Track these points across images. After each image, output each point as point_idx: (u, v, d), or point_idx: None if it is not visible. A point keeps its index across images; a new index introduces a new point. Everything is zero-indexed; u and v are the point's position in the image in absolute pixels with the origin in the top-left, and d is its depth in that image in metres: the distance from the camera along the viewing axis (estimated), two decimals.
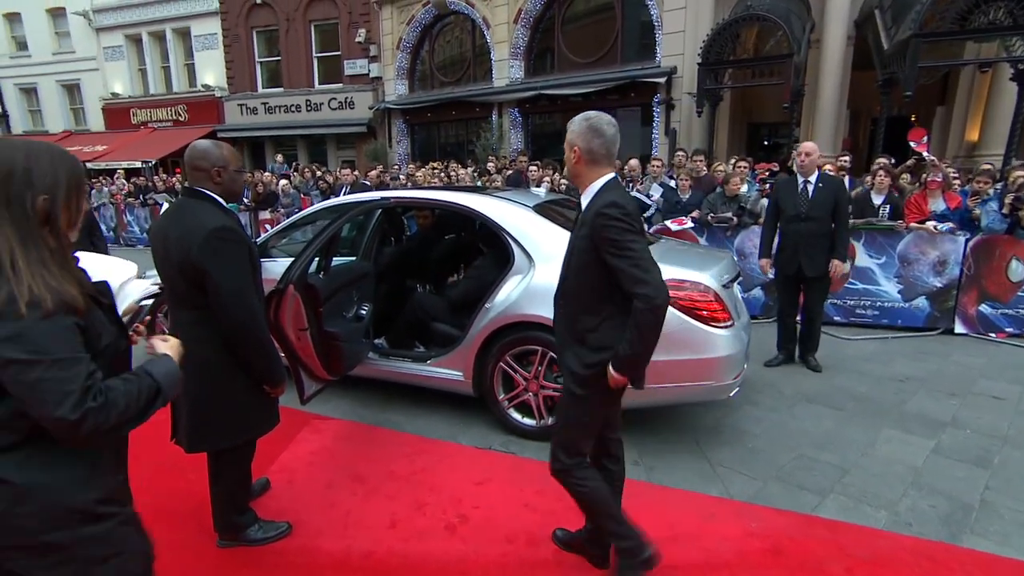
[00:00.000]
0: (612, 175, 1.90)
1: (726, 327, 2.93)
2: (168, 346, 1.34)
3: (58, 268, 1.07)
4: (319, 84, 17.06)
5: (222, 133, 17.70)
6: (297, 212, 9.02)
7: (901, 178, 6.26)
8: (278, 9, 16.74)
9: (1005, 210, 4.98)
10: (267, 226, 9.63)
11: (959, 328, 5.14)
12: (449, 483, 2.84)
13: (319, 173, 10.68)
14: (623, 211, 1.74)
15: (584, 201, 1.89)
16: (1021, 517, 2.52)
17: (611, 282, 1.78)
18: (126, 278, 1.36)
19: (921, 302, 5.25)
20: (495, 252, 3.54)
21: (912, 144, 6.60)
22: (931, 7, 7.37)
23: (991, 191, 5.30)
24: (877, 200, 5.45)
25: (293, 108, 17.17)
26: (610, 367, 1.83)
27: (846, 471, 2.88)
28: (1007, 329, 5.05)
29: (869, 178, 5.90)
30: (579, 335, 1.88)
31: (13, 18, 19.94)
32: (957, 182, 6.06)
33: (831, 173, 4.80)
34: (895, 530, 2.44)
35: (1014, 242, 4.95)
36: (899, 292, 5.29)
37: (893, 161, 6.24)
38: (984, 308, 5.11)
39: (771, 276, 4.42)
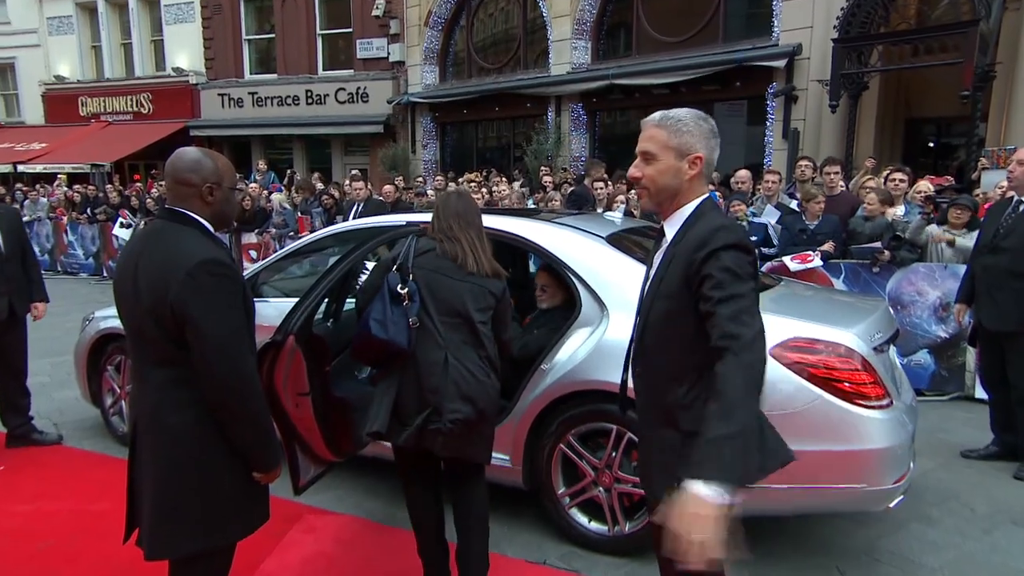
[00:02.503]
0: (708, 194, 1.93)
1: (881, 407, 2.88)
2: None
3: None
4: (323, 70, 18.04)
5: (197, 131, 18.81)
6: (291, 235, 9.54)
7: None
8: None
9: None
10: (252, 252, 10.08)
11: None
12: None
13: (320, 187, 11.05)
14: (741, 244, 1.72)
15: (672, 228, 1.88)
16: None
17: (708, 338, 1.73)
18: None
19: None
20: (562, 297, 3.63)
21: None
22: None
23: None
24: None
25: (289, 101, 18.13)
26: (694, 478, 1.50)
27: None
28: None
29: None
30: (666, 412, 1.85)
31: None
32: None
33: None
34: None
35: None
36: None
37: None
38: None
39: (966, 322, 4.49)
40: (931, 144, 12.29)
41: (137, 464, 2.14)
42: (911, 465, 3.09)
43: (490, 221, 3.73)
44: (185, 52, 19.28)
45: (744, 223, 6.15)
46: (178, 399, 2.04)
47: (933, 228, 5.66)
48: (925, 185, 6.49)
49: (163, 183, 10.63)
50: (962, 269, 4.85)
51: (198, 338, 1.97)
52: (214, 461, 2.08)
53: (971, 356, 5.36)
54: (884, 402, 2.91)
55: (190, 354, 2.00)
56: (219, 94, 18.93)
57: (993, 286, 4.17)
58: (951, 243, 5.47)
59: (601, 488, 3.23)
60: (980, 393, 5.11)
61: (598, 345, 3.20)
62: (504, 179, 10.29)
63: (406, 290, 2.59)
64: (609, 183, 7.56)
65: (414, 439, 2.60)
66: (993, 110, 9.87)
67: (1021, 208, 4.15)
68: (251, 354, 2.12)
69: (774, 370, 2.91)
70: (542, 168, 10.98)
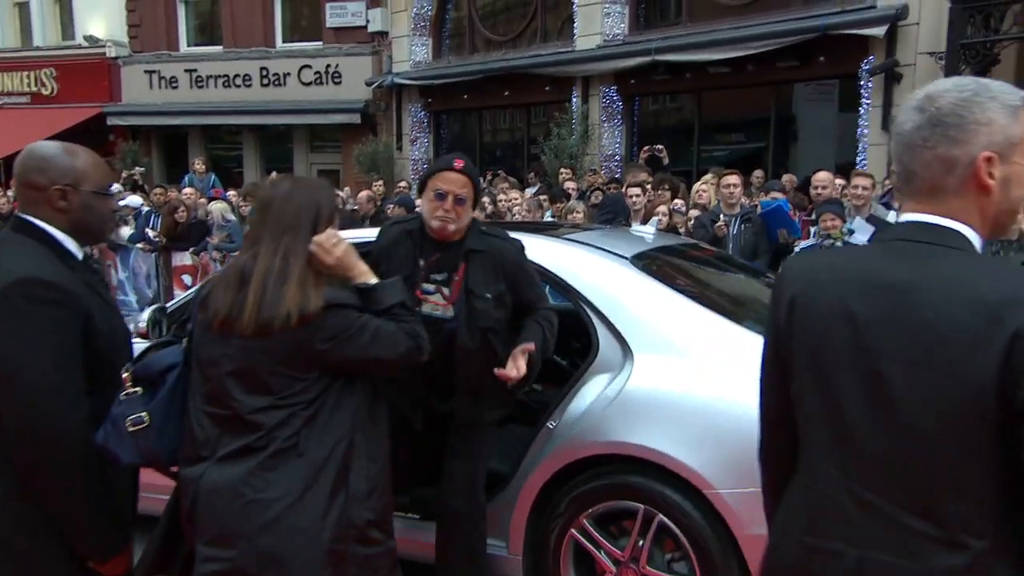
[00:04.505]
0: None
1: None
2: (356, 269, 2.37)
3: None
4: (283, 42, 18.33)
5: (116, 118, 19.01)
6: (236, 254, 9.58)
7: None
8: None
9: None
10: (185, 277, 10.21)
11: None
12: None
13: None
14: None
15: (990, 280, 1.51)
16: None
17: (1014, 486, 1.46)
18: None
19: None
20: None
21: None
22: None
23: None
24: None
25: (239, 81, 18.39)
26: None
27: None
28: None
29: None
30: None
31: None
32: None
33: None
34: None
35: None
36: None
37: None
38: None
39: None
40: None
41: None
42: None
43: None
44: (101, 16, 19.44)
45: (839, 244, 6.14)
46: None
47: None
48: None
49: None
50: None
51: (0, 379, 1.99)
52: (27, 544, 2.08)
53: None
54: None
55: None
56: (146, 71, 19.15)
57: None
58: None
59: None
60: None
61: (621, 397, 3.26)
62: (513, 184, 10.43)
63: (127, 373, 2.28)
64: (644, 189, 7.66)
65: None
66: None
67: None
68: (77, 406, 2.10)
69: None
70: (563, 170, 11.08)
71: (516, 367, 2.97)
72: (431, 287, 3.27)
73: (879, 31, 11.05)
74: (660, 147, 10.29)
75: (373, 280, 2.38)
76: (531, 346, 3.04)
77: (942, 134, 1.52)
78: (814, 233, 6.56)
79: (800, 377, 1.68)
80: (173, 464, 2.32)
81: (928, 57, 10.57)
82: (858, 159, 11.20)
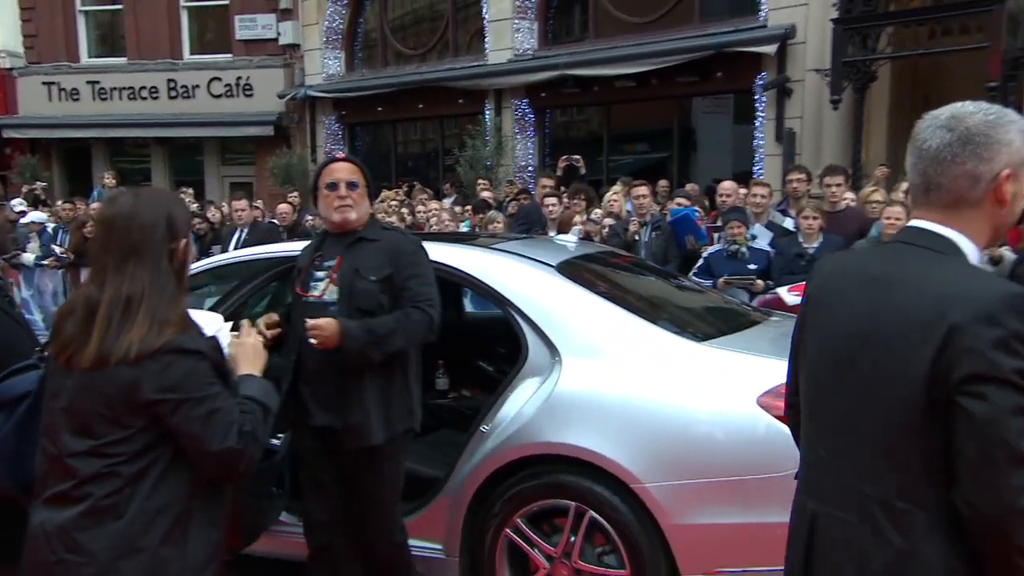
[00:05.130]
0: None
1: None
2: (246, 361, 2.18)
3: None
4: (191, 54, 17.83)
5: (13, 131, 18.19)
6: None
7: None
8: None
9: None
10: None
11: None
12: None
13: (195, 206, 10.96)
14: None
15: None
16: None
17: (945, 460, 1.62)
18: (217, 329, 2.26)
19: None
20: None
21: None
22: None
23: None
24: None
25: (145, 93, 17.78)
26: None
27: None
28: None
29: None
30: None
31: None
32: None
33: None
34: None
35: None
36: None
37: None
38: None
39: None
40: None
41: None
42: None
43: None
44: None
45: (744, 249, 6.36)
46: None
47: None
48: None
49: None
50: None
51: None
52: None
53: None
54: None
55: None
56: (45, 83, 18.45)
57: None
58: (997, 261, 5.73)
59: None
60: None
61: (550, 399, 3.31)
62: (430, 195, 10.42)
63: None
64: (560, 200, 7.76)
65: None
66: None
67: None
68: None
69: (765, 422, 3.06)
70: (479, 181, 11.11)
71: (316, 324, 2.99)
72: (322, 274, 3.29)
73: (770, 49, 11.47)
74: (577, 157, 10.40)
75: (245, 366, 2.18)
76: (337, 321, 3.04)
77: (972, 152, 1.67)
78: (719, 239, 6.71)
79: (804, 357, 1.93)
80: (27, 496, 2.05)
81: (815, 74, 10.99)
82: (755, 168, 11.56)
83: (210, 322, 2.24)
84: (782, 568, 3.09)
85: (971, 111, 1.73)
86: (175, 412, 1.85)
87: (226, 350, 2.16)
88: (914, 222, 1.84)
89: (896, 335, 1.66)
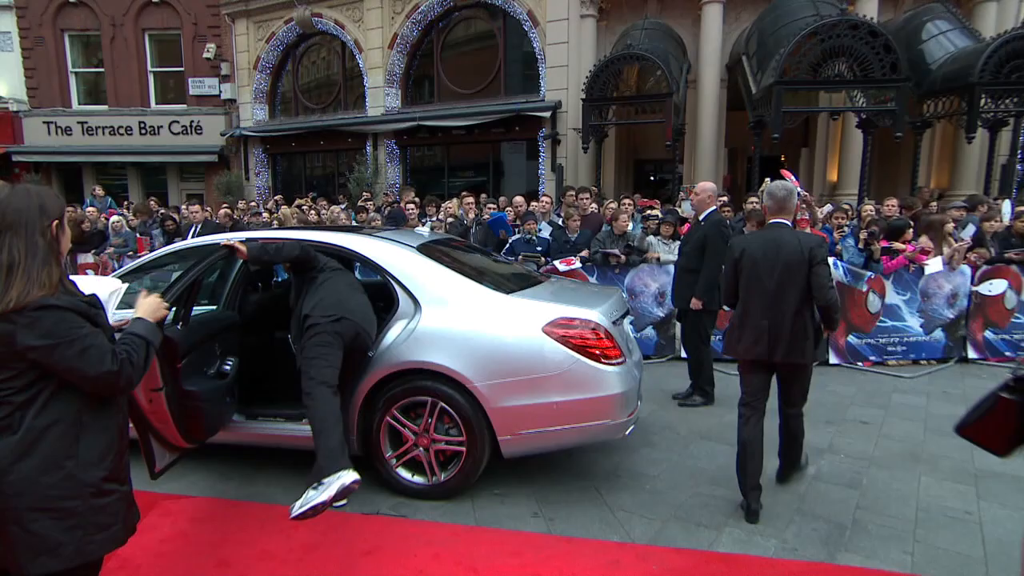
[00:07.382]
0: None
1: (617, 364, 3.28)
2: (141, 310, 1.91)
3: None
4: (156, 103, 16.09)
5: (20, 156, 15.95)
6: (131, 255, 8.48)
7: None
8: (99, 11, 15.57)
9: (860, 245, 6.05)
10: (89, 271, 8.83)
11: (833, 359, 6.05)
12: (333, 556, 2.83)
13: (162, 210, 10.03)
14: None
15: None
16: (884, 531, 3.07)
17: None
18: (111, 290, 1.99)
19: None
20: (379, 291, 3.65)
21: None
22: (788, 58, 8.87)
23: (847, 228, 6.39)
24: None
25: (122, 130, 15.93)
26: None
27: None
28: (870, 358, 6.04)
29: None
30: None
31: None
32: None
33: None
34: (783, 556, 2.85)
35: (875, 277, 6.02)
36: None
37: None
38: (851, 339, 6.07)
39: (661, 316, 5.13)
40: (652, 178, 13.89)
41: None
42: (639, 403, 3.56)
43: (321, 236, 3.68)
44: (4, 80, 16.16)
45: (534, 237, 6.49)
46: None
47: (652, 239, 6.43)
48: (656, 212, 7.30)
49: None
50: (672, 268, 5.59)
51: None
52: None
53: (679, 328, 6.16)
54: (620, 360, 3.31)
55: None
56: (45, 122, 16.07)
57: (678, 277, 4.98)
58: (658, 260, 6.24)
59: (421, 448, 3.31)
60: (834, 359, 6.04)
61: (414, 334, 3.29)
62: (329, 203, 9.95)
63: None
64: (418, 205, 7.62)
65: None
66: (687, 155, 11.44)
67: (700, 224, 4.84)
68: None
69: (547, 343, 3.19)
70: (364, 193, 10.75)
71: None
72: None
73: (547, 114, 11.79)
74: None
75: (140, 313, 1.91)
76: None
77: (790, 197, 3.31)
78: (519, 230, 6.82)
79: (743, 275, 3.25)
80: None
81: (573, 131, 11.39)
82: (540, 188, 11.83)
83: (105, 285, 1.97)
84: (559, 427, 3.28)
85: (783, 184, 3.32)
86: (53, 353, 1.59)
87: (112, 305, 1.94)
88: (774, 220, 3.28)
89: (791, 257, 3.13)
